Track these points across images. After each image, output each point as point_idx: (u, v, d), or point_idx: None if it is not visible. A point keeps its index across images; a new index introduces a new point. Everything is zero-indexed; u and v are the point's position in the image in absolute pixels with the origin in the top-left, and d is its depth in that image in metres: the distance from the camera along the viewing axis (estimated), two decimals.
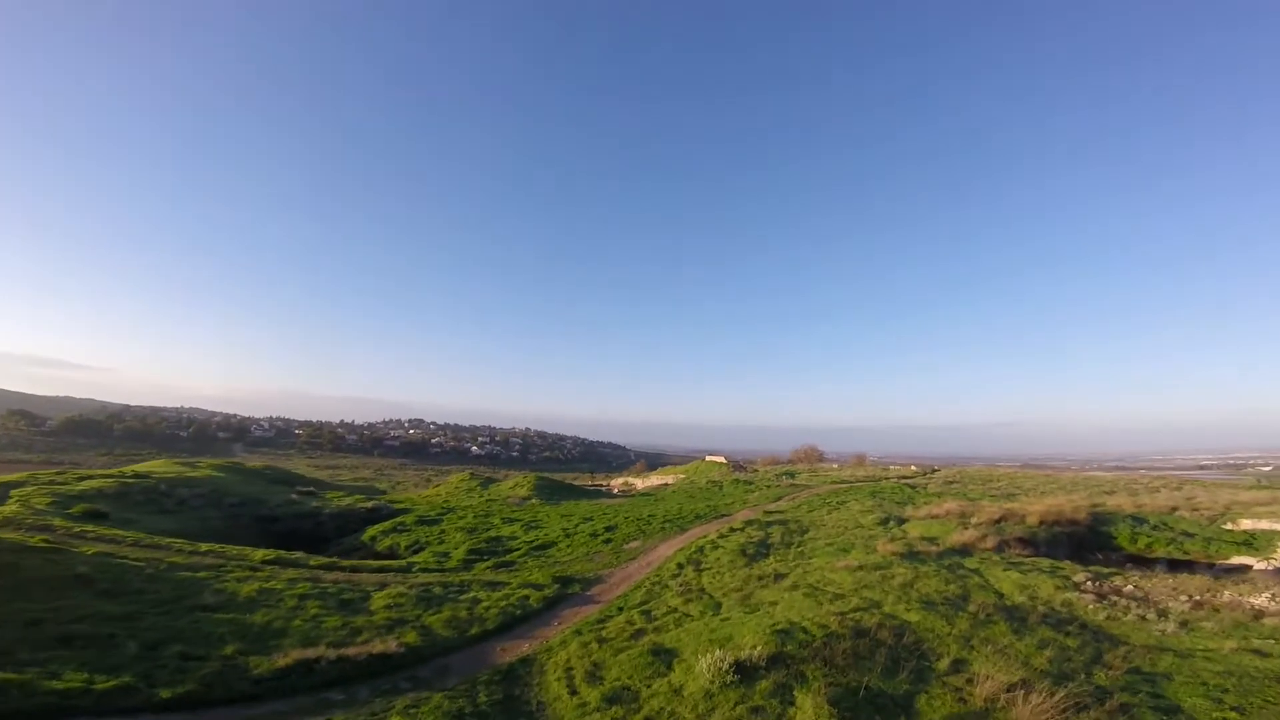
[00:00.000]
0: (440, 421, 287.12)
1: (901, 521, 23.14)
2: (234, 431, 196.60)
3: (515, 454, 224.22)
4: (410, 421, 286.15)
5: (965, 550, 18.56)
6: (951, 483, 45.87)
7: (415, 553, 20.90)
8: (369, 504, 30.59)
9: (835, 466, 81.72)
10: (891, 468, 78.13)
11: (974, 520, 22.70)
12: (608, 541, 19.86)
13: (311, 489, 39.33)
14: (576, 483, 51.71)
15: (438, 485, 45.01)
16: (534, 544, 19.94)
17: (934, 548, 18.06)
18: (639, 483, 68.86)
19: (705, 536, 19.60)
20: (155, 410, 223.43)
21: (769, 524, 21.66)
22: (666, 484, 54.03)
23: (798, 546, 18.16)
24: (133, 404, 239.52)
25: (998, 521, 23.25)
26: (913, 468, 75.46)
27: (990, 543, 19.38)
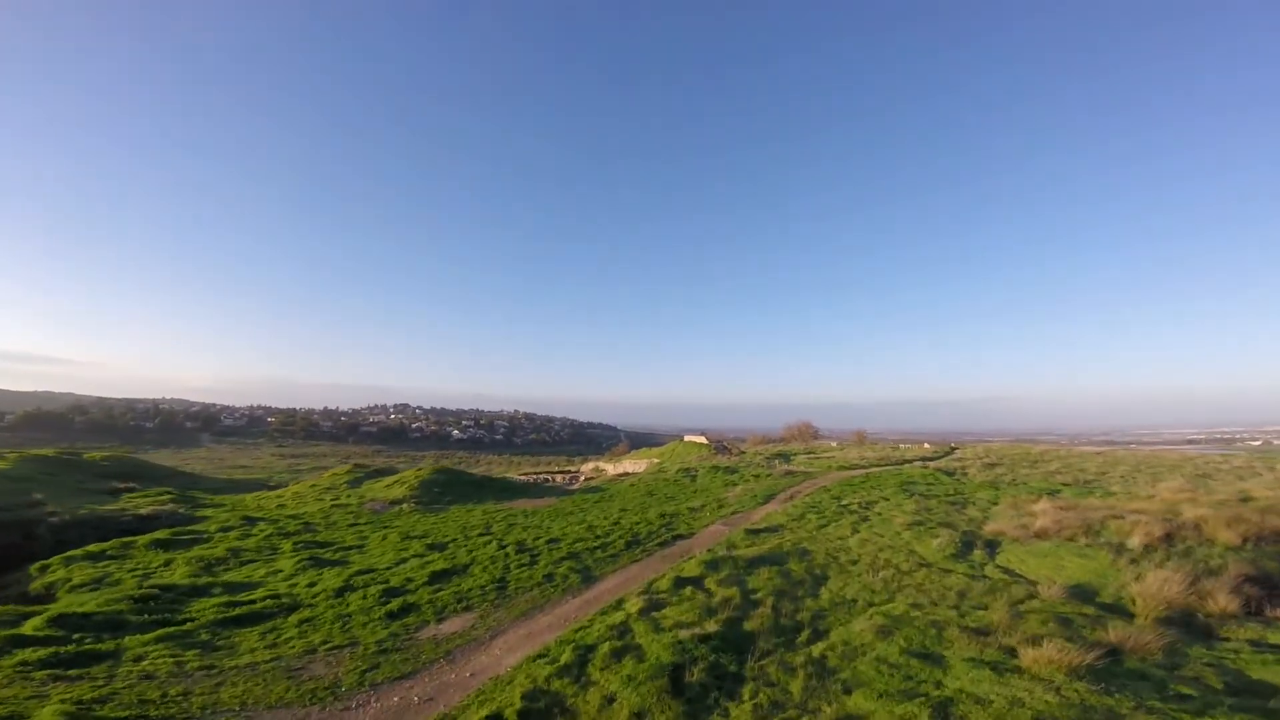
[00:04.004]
0: (427, 406, 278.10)
1: (992, 547, 12.76)
2: (202, 421, 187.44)
3: (499, 437, 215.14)
4: (395, 407, 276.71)
5: (1201, 627, 8.20)
6: (992, 466, 35.57)
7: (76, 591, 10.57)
8: (146, 510, 20.02)
9: (834, 445, 71.34)
10: (902, 446, 67.99)
11: (1129, 541, 12.38)
12: (399, 615, 9.36)
13: (133, 485, 28.86)
14: (503, 474, 41.26)
15: (302, 482, 34.32)
16: (231, 612, 9.41)
17: (1138, 635, 7.61)
18: (610, 468, 58.77)
19: (622, 606, 9.11)
20: (131, 402, 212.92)
21: (752, 564, 11.15)
22: (633, 472, 43.75)
23: (809, 643, 7.66)
24: (108, 397, 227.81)
25: (1165, 539, 12.98)
26: (926, 445, 65.50)
27: (1222, 598, 8.96)
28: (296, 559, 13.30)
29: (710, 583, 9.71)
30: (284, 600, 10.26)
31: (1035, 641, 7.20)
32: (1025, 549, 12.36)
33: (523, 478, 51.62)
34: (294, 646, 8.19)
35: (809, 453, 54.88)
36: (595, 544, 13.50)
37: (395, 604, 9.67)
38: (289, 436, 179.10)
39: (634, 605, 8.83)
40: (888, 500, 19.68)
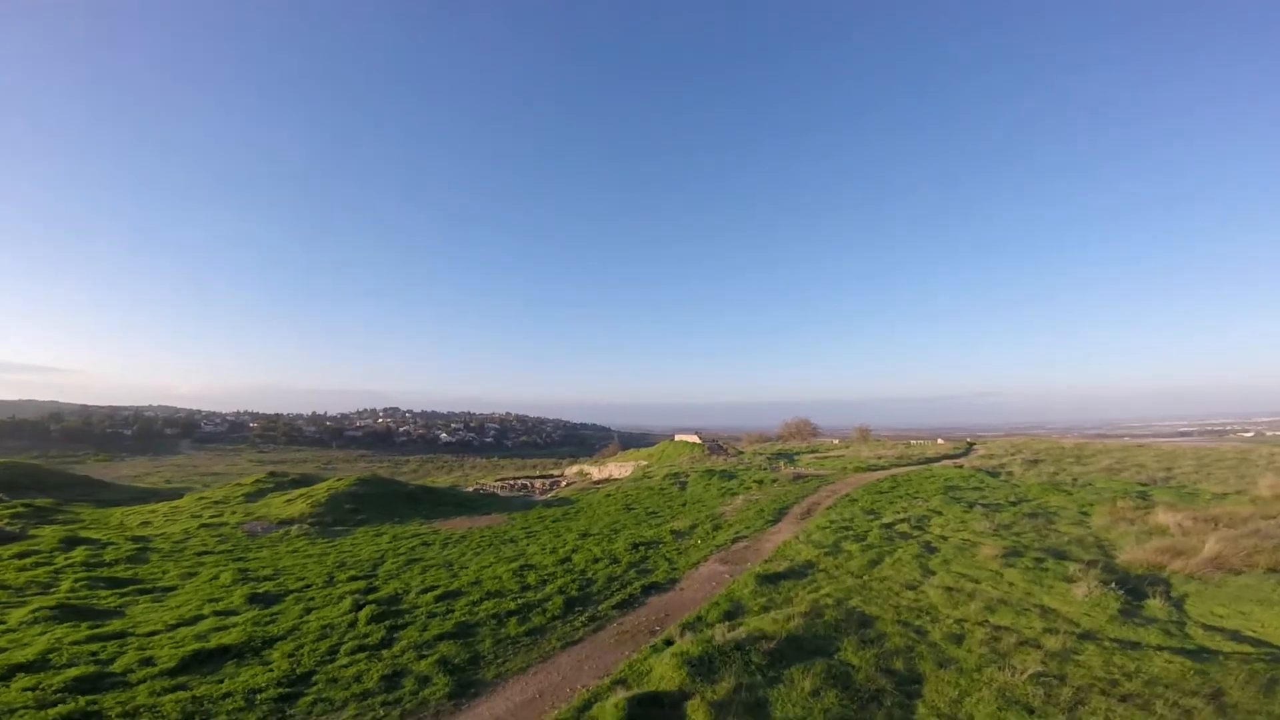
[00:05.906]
0: (418, 410, 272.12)
1: (1165, 590, 7.84)
2: (182, 428, 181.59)
3: (489, 440, 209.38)
4: (385, 410, 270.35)
5: None
6: (1036, 463, 30.61)
7: None
8: None
9: (837, 443, 66.06)
10: (914, 443, 62.71)
11: None
12: None
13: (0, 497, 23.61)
14: (479, 481, 35.78)
15: (193, 494, 28.92)
16: None
17: None
18: (595, 471, 53.70)
19: None
20: (114, 410, 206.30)
21: (776, 657, 6.02)
22: (618, 476, 38.67)
23: None
24: (92, 404, 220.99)
25: None
26: (941, 441, 60.43)
27: None
28: (46, 606, 8.20)
29: (698, 709, 4.62)
30: None
31: None
32: (1226, 593, 7.41)
33: (495, 485, 46.39)
34: None
35: (813, 451, 49.99)
36: (515, 603, 8.25)
37: (62, 710, 4.59)
38: (270, 442, 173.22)
39: None
40: (941, 514, 14.62)
